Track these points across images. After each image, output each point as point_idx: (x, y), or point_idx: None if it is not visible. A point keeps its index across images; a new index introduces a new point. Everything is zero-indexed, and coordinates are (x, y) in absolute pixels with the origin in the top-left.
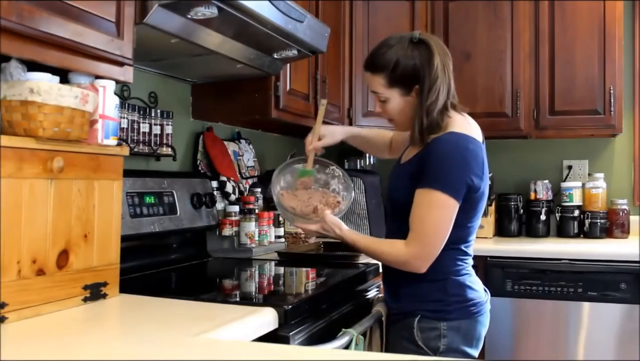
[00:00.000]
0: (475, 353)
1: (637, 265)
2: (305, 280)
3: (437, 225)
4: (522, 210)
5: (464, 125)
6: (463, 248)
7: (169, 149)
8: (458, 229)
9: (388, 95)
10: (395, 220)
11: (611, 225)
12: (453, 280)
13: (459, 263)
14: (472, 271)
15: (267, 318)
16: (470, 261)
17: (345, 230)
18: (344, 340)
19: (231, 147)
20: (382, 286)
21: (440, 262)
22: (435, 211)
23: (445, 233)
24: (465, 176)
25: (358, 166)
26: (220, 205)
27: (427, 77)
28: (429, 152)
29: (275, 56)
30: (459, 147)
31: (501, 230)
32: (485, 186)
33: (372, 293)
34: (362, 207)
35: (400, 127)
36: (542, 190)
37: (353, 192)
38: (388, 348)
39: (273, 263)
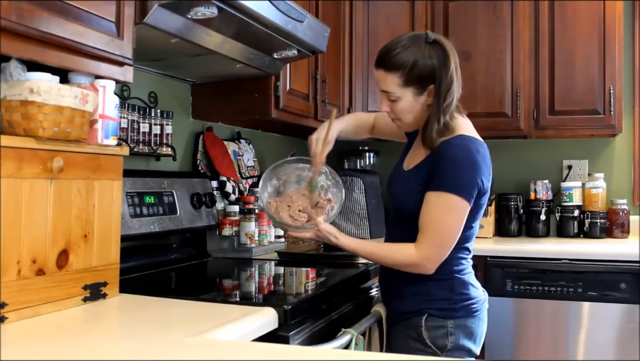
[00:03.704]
0: (478, 350)
1: (637, 265)
2: (305, 280)
3: (451, 227)
4: (522, 210)
5: (470, 128)
6: (466, 246)
7: (169, 149)
8: (464, 230)
9: (400, 94)
10: (401, 226)
11: (611, 225)
12: (458, 278)
13: (463, 262)
14: (472, 270)
15: (267, 318)
16: (471, 260)
17: (342, 239)
18: (343, 340)
19: (231, 147)
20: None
21: (446, 262)
22: (449, 214)
23: (457, 236)
24: (477, 178)
25: (358, 166)
26: (220, 205)
27: (444, 78)
28: (440, 155)
29: (275, 56)
30: (471, 150)
31: (501, 230)
32: (489, 186)
33: (372, 293)
34: (362, 207)
35: (404, 127)
36: (542, 190)
37: (343, 189)
38: (390, 347)
39: (273, 263)
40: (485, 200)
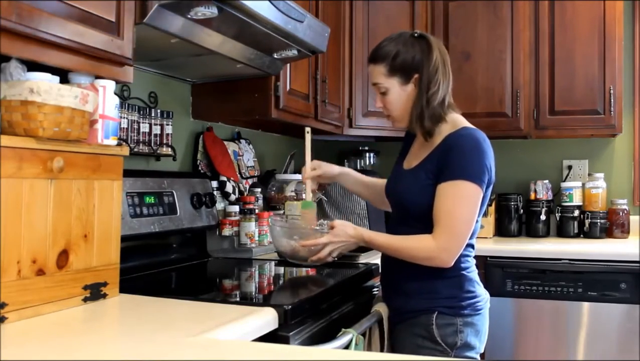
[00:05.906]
0: (483, 347)
1: (637, 265)
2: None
3: (466, 214)
4: (522, 210)
5: (469, 123)
6: (471, 243)
7: (169, 149)
8: None
9: (388, 85)
10: (407, 224)
11: (611, 225)
12: (465, 276)
13: (469, 259)
14: (476, 268)
15: (267, 318)
16: (474, 258)
17: (359, 229)
18: (344, 340)
19: (231, 147)
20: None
21: None
22: (463, 201)
23: (472, 223)
24: (486, 164)
25: (358, 166)
26: (220, 205)
27: (426, 68)
28: (448, 147)
29: (275, 56)
30: (478, 139)
31: (501, 230)
32: (494, 178)
33: (372, 293)
34: (362, 207)
35: (398, 121)
36: (542, 190)
37: None
38: (393, 346)
39: (273, 263)
40: (489, 192)
